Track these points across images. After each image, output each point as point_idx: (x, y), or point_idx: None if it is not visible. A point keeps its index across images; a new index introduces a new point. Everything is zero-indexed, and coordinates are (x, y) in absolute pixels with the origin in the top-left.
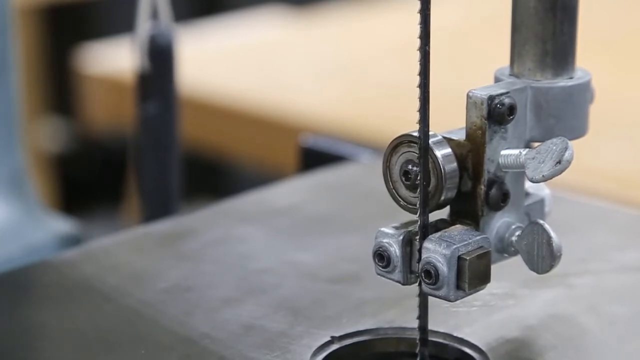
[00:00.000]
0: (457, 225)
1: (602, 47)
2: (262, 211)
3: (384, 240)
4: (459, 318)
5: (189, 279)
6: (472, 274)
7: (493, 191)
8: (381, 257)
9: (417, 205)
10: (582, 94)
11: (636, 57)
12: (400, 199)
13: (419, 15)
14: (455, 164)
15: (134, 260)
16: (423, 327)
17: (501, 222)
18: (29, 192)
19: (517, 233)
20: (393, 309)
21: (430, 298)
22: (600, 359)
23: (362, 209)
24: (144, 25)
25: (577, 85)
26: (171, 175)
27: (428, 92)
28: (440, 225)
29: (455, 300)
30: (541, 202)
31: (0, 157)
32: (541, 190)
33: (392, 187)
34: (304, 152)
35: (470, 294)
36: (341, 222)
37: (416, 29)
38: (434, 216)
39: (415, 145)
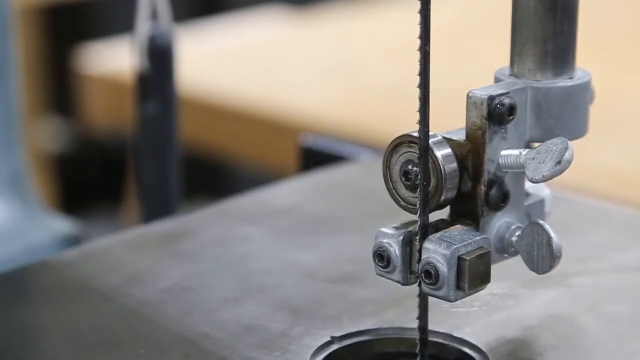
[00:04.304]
0: (457, 226)
1: (602, 47)
2: (262, 211)
3: (384, 241)
4: (458, 318)
5: (189, 279)
6: (472, 274)
7: (493, 191)
8: (381, 257)
9: (417, 206)
10: (582, 94)
11: (636, 57)
12: (400, 199)
13: (418, 15)
14: (455, 164)
15: (133, 260)
16: (423, 328)
17: (501, 222)
18: (29, 192)
19: (517, 233)
20: (393, 309)
21: (430, 298)
22: (600, 359)
23: (362, 209)
24: (143, 26)
25: (577, 85)
26: (171, 175)
27: (428, 92)
28: (440, 225)
29: (455, 301)
30: (541, 202)
31: (0, 157)
32: (541, 190)
33: (392, 187)
34: (304, 152)
35: (470, 294)
36: (341, 222)
37: (416, 29)
38: (434, 216)
39: (415, 145)
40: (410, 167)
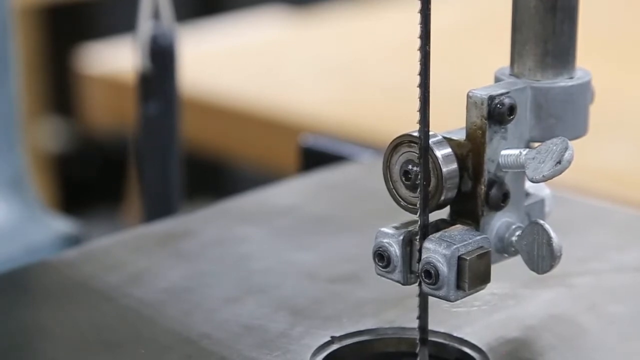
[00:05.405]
0: (458, 225)
1: (602, 47)
2: (262, 211)
3: (384, 240)
4: (459, 318)
5: (189, 279)
6: (472, 274)
7: (493, 191)
8: (381, 257)
9: (417, 205)
10: (582, 94)
11: (636, 57)
12: (400, 199)
13: (418, 15)
14: (455, 164)
15: (134, 260)
16: (423, 327)
17: (501, 222)
18: (29, 192)
19: (517, 233)
20: (393, 309)
21: (430, 298)
22: (600, 359)
23: (362, 209)
24: (145, 25)
25: (577, 85)
26: (173, 175)
27: (428, 92)
28: (441, 225)
29: (455, 301)
30: (541, 202)
31: (0, 157)
32: (541, 190)
33: (392, 187)
34: (304, 152)
35: (470, 294)
36: (341, 222)
37: (416, 29)
38: (434, 216)
39: (415, 145)
40: (410, 167)
